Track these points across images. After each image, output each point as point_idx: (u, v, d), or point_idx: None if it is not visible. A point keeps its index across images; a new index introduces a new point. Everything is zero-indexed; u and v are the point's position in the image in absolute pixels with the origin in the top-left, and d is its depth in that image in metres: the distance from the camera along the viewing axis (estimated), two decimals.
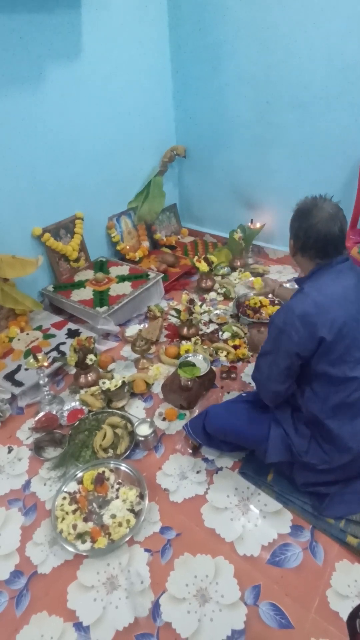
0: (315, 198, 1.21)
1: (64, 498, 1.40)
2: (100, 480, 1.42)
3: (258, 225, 2.72)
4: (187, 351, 1.98)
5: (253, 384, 1.81)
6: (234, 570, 1.22)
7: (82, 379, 1.87)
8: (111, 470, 1.48)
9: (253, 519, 1.35)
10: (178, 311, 2.12)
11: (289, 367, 1.19)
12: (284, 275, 2.68)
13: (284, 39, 2.13)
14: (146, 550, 1.29)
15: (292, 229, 1.23)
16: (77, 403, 1.81)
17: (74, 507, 1.36)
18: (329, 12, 1.94)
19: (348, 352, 1.13)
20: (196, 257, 2.50)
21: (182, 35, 2.52)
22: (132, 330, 2.24)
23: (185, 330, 2.13)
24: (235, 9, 2.23)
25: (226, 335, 2.13)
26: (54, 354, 1.99)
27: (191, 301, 2.09)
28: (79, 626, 1.13)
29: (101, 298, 2.26)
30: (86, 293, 2.32)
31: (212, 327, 2.23)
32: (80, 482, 1.46)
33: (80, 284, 2.40)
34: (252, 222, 2.74)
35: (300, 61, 2.13)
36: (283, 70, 2.21)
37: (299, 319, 1.13)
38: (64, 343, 2.06)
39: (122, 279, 2.44)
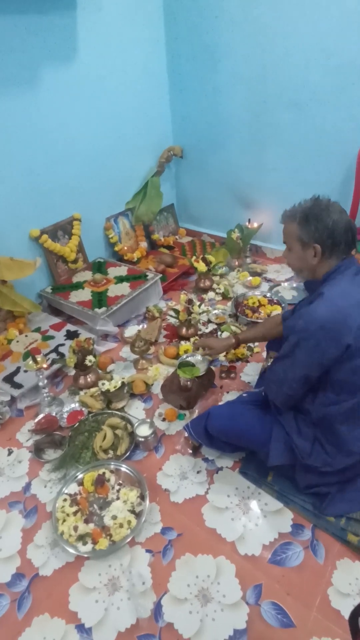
0: (315, 199, 1.19)
1: (65, 500, 1.39)
2: (100, 481, 1.42)
3: (255, 224, 2.72)
4: (186, 351, 1.98)
5: (252, 384, 1.82)
6: (236, 570, 1.22)
7: (81, 381, 1.87)
8: (111, 472, 1.48)
9: (254, 518, 1.35)
10: (177, 311, 2.12)
11: (306, 376, 1.17)
12: (282, 274, 2.69)
13: (278, 38, 2.13)
14: (147, 551, 1.29)
15: (314, 234, 1.16)
16: (77, 404, 1.81)
17: (74, 508, 1.36)
18: (323, 11, 1.94)
19: None
20: (194, 257, 2.50)
21: (178, 35, 2.52)
22: (131, 331, 2.24)
23: (184, 331, 2.13)
24: (230, 9, 2.23)
25: (225, 335, 2.12)
26: (53, 355, 1.99)
27: (190, 301, 2.09)
28: (81, 628, 1.13)
29: (100, 299, 2.26)
30: (84, 294, 2.32)
31: (211, 327, 2.23)
32: (80, 483, 1.46)
33: (79, 285, 2.40)
34: (249, 221, 2.74)
35: (296, 60, 2.14)
36: (279, 70, 2.22)
37: (323, 328, 1.08)
38: (62, 344, 2.06)
39: (120, 279, 2.43)
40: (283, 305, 2.31)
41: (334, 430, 1.19)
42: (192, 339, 2.10)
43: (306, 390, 1.23)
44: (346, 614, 1.10)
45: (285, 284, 2.56)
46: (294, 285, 2.54)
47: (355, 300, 1.10)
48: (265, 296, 2.39)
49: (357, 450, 1.19)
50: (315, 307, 1.11)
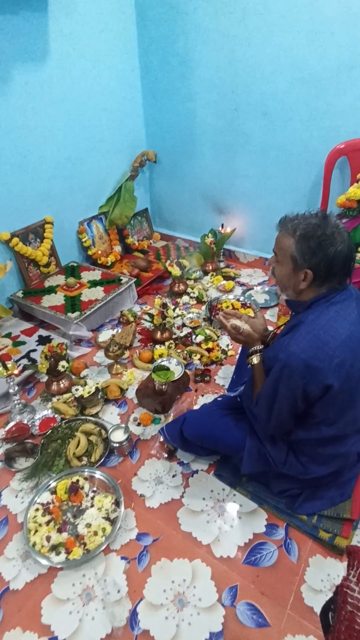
0: (324, 217, 1.06)
1: (37, 509, 1.36)
2: (74, 489, 1.40)
3: (228, 229, 2.76)
4: (161, 355, 1.98)
5: (226, 386, 1.84)
6: (211, 573, 1.22)
7: (54, 387, 1.83)
8: (85, 479, 1.46)
9: (229, 520, 1.36)
10: (151, 315, 2.11)
11: (291, 411, 1.11)
12: (255, 278, 2.74)
13: (249, 48, 2.19)
14: (123, 558, 1.27)
15: (311, 259, 1.05)
16: (50, 411, 1.77)
17: (47, 518, 1.33)
18: (290, 25, 2.01)
19: (352, 398, 1.08)
20: (168, 262, 2.51)
21: (151, 42, 2.54)
22: (105, 335, 2.21)
23: (158, 335, 2.13)
24: (201, 18, 2.27)
25: (199, 338, 2.14)
26: (25, 361, 1.94)
27: (164, 305, 2.09)
28: None
29: (73, 303, 2.23)
30: (57, 299, 2.28)
31: (186, 330, 2.24)
32: (53, 492, 1.42)
33: (51, 290, 2.36)
34: (222, 226, 2.78)
35: (265, 71, 2.20)
36: (249, 79, 2.27)
37: (304, 364, 1.01)
38: (34, 350, 2.01)
39: (94, 284, 2.41)
40: (257, 310, 2.35)
41: (314, 450, 1.21)
42: (166, 343, 2.10)
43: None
44: (319, 610, 1.12)
45: (258, 287, 2.61)
46: (266, 289, 2.59)
47: (341, 338, 1.02)
48: (238, 300, 2.43)
49: (335, 464, 1.22)
50: (298, 340, 1.04)
